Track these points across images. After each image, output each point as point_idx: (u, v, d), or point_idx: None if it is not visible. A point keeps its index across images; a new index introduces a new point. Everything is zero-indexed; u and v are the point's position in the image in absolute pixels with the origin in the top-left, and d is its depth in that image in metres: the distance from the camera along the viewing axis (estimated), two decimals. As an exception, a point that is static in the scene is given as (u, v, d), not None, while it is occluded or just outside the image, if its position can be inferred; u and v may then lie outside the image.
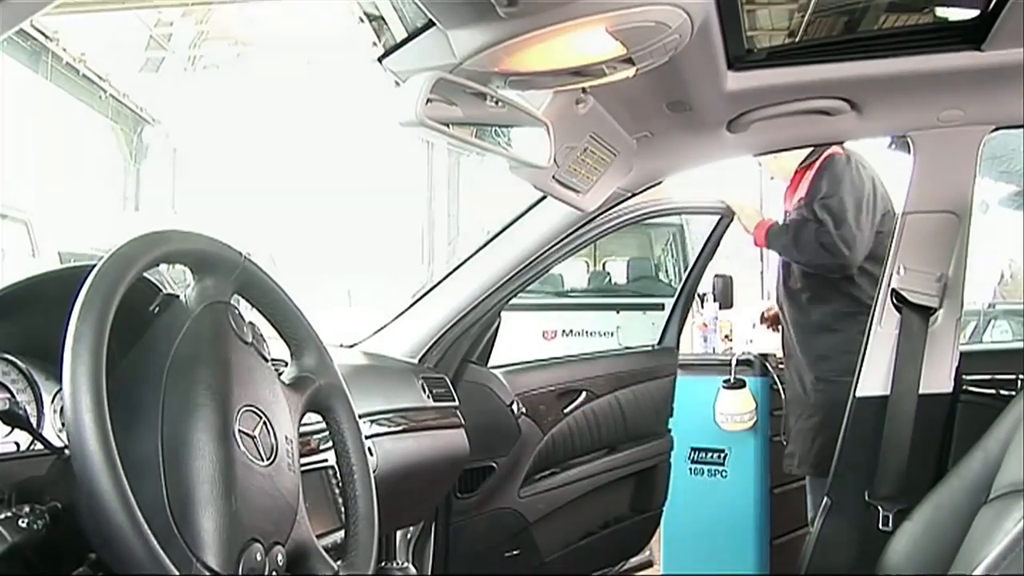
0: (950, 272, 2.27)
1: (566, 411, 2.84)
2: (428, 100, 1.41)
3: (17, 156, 10.57)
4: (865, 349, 2.36)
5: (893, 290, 2.29)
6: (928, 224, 2.27)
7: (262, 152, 14.37)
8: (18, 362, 1.38)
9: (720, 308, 3.74)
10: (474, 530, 2.58)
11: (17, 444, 1.30)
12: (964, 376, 2.29)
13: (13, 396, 1.33)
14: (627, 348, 3.69)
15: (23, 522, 1.01)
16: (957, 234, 2.26)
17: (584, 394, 2.89)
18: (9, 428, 1.26)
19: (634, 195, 2.46)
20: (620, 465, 3.02)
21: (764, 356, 3.89)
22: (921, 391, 2.25)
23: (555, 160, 1.77)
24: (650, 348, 3.33)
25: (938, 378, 2.27)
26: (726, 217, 3.27)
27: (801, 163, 3.15)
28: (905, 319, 2.28)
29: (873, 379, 2.31)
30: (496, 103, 1.57)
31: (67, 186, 12.82)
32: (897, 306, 2.29)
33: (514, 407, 2.65)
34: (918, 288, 2.27)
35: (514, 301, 2.63)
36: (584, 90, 1.78)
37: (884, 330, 2.31)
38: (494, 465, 2.64)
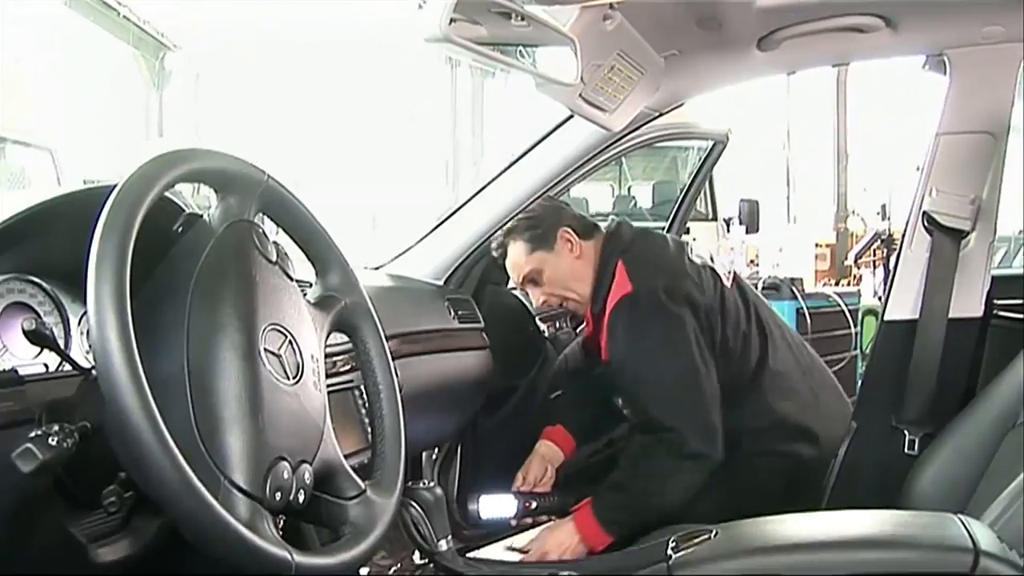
0: (984, 195, 2.22)
1: (578, 330, 2.86)
2: (451, 20, 1.38)
3: (39, 85, 10.55)
4: (894, 273, 2.33)
5: (924, 212, 2.25)
6: (963, 145, 2.22)
7: (285, 76, 14.27)
8: (44, 284, 1.39)
9: (747, 232, 3.71)
10: (498, 450, 2.60)
11: (46, 365, 1.32)
12: (995, 301, 2.26)
13: (40, 317, 1.34)
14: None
15: (53, 440, 1.02)
16: (993, 156, 2.21)
17: None
18: (38, 350, 1.27)
19: (661, 115, 2.42)
20: None
21: (792, 280, 3.86)
22: (951, 315, 2.22)
23: (582, 78, 1.73)
24: None
25: (968, 302, 2.24)
26: (720, 143, 3.29)
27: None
28: (936, 242, 2.24)
29: (902, 303, 2.28)
30: (521, 20, 1.54)
31: (91, 114, 12.80)
32: (928, 229, 2.25)
33: (535, 328, 2.65)
34: (950, 211, 2.22)
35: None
36: (611, 6, 1.74)
37: (914, 253, 2.28)
38: (517, 385, 2.66)
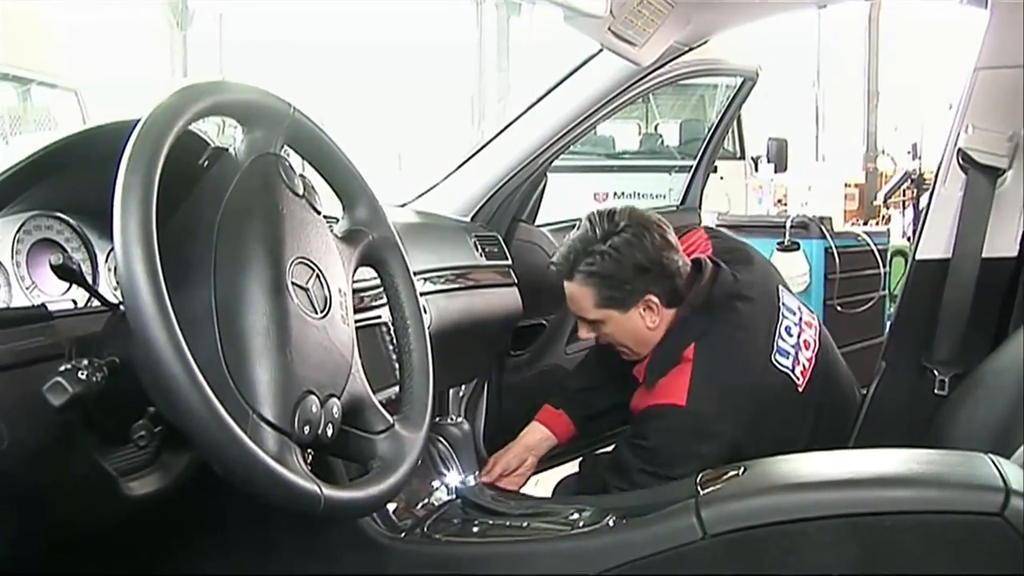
0: (1023, 131, 2.18)
1: None
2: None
3: (63, 25, 10.51)
4: (927, 212, 2.29)
5: (959, 149, 2.20)
6: (1002, 80, 2.16)
7: (308, 12, 14.15)
8: (71, 220, 1.39)
9: (775, 171, 3.66)
10: (525, 387, 2.61)
11: (75, 301, 1.33)
12: (1030, 240, 2.23)
13: (67, 253, 1.34)
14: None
15: (82, 374, 1.02)
16: None
17: None
18: (66, 286, 1.27)
19: (690, 49, 2.38)
20: None
21: (821, 219, 3.82)
22: (984, 255, 2.19)
23: (611, 11, 1.71)
24: (674, 208, 3.30)
25: (1003, 242, 2.21)
26: (749, 80, 3.18)
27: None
28: (971, 180, 2.20)
29: (934, 242, 2.25)
30: (550, -50, 1.51)
31: (115, 55, 12.77)
32: (963, 166, 2.21)
33: None
34: (987, 147, 2.18)
35: (566, 163, 2.59)
36: (642, -65, 1.70)
37: (948, 191, 2.24)
38: (544, 323, 2.65)
